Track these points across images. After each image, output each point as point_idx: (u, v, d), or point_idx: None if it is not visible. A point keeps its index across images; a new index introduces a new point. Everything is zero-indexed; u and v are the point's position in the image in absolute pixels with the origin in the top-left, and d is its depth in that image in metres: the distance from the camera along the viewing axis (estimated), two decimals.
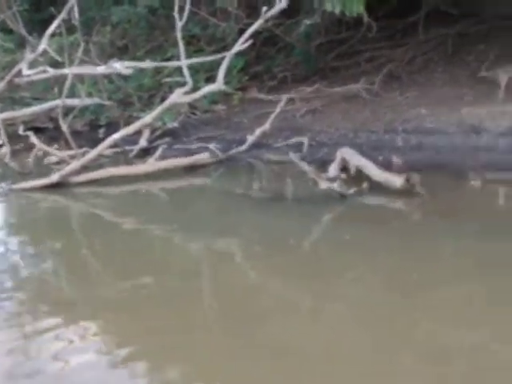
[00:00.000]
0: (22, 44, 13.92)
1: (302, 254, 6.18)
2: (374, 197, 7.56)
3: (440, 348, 4.07)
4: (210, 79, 11.51)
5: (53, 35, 11.00)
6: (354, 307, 4.80)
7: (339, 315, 4.72)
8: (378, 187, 7.63)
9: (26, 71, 9.38)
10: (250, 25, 10.91)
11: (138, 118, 10.87)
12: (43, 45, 9.83)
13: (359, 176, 7.99)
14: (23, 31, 12.32)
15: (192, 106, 11.40)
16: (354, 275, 5.53)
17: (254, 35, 10.13)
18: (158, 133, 10.87)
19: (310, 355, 4.08)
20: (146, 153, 10.28)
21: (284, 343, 4.26)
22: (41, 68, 9.66)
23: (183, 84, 10.53)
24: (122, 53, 13.45)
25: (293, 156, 8.51)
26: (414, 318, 4.57)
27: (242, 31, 11.75)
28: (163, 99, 11.35)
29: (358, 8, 9.44)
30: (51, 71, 9.63)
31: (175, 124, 10.93)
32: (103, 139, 10.16)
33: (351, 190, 7.43)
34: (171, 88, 11.72)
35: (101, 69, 9.47)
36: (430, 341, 4.20)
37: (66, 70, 9.94)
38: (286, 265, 5.76)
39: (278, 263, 5.80)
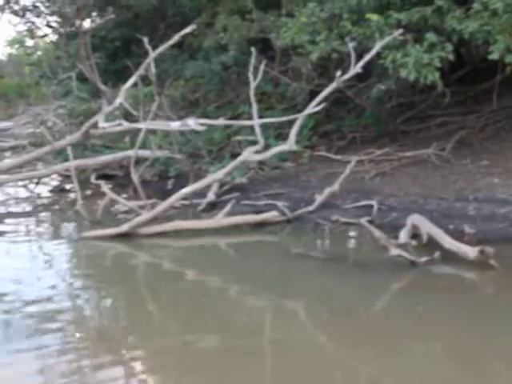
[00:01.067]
0: (96, 93, 14.31)
1: (367, 322, 6.05)
2: (445, 266, 7.41)
3: None
4: (280, 136, 11.65)
5: None
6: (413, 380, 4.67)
7: None
8: (449, 257, 7.49)
9: (102, 124, 9.60)
10: (321, 85, 11.05)
11: (206, 172, 11.03)
12: (120, 99, 10.06)
13: (430, 244, 7.86)
14: (99, 81, 12.63)
15: (261, 162, 11.48)
16: (419, 348, 5.38)
17: (325, 96, 10.21)
18: (226, 187, 10.94)
19: None
20: (213, 207, 10.35)
21: None
22: (117, 121, 9.87)
23: (252, 140, 10.67)
24: (193, 106, 13.72)
25: (363, 220, 8.44)
26: None
27: (312, 91, 11.91)
28: (232, 153, 11.53)
29: (433, 75, 9.41)
30: (126, 125, 9.84)
31: (244, 180, 11.00)
32: (171, 190, 10.30)
33: (422, 258, 7.31)
34: (240, 142, 11.89)
35: (175, 125, 9.64)
36: None
37: (141, 125, 10.16)
38: (349, 332, 5.68)
39: (341, 329, 5.73)
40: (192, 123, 9.21)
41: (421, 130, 12.61)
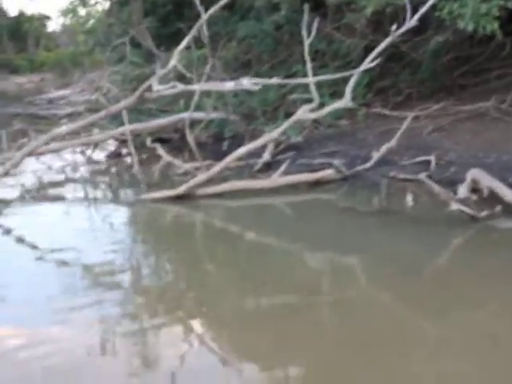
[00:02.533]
0: (149, 58, 14.36)
1: (429, 279, 5.98)
2: (507, 220, 7.26)
3: None
4: (335, 94, 11.49)
5: None
6: (482, 339, 4.62)
7: (465, 348, 4.55)
8: (511, 211, 7.33)
9: (156, 86, 9.59)
10: (375, 41, 10.83)
11: (261, 132, 10.96)
12: (174, 61, 10.04)
13: (490, 198, 7.70)
14: (152, 46, 12.65)
15: (316, 120, 11.36)
16: (482, 305, 5.30)
17: (379, 52, 10.02)
18: (281, 147, 10.89)
19: None
20: (268, 167, 10.31)
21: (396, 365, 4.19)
22: (171, 84, 9.86)
23: (307, 99, 10.55)
24: (247, 67, 13.63)
25: (421, 175, 8.30)
26: None
27: (366, 47, 11.70)
28: (287, 113, 11.42)
29: (491, 25, 9.15)
30: (181, 87, 9.82)
31: (299, 138, 10.92)
32: (227, 152, 10.29)
33: (483, 213, 7.17)
34: (295, 102, 11.78)
35: (229, 85, 9.55)
36: None
37: (195, 87, 10.13)
38: (411, 289, 5.62)
39: (402, 287, 5.68)
40: (246, 83, 9.13)
41: (478, 84, 12.33)
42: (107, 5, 19.61)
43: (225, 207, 8.86)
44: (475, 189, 8.02)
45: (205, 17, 10.34)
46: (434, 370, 4.24)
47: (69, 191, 10.05)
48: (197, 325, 5.22)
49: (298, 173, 9.53)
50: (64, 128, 12.34)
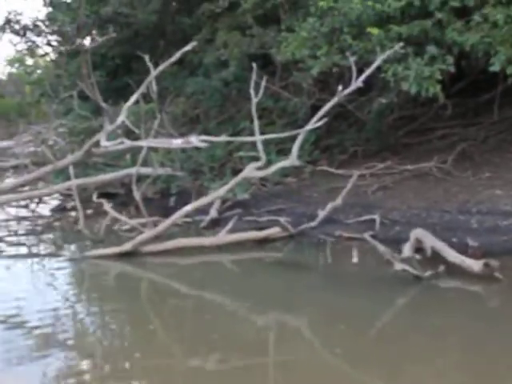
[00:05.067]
0: (97, 111, 14.32)
1: (374, 339, 6.00)
2: (450, 280, 7.38)
3: None
4: (281, 152, 11.62)
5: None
6: None
7: None
8: (454, 270, 7.46)
9: (103, 142, 9.59)
10: (322, 100, 11.04)
11: (208, 188, 11.00)
12: (122, 117, 10.06)
13: (434, 258, 7.82)
14: (100, 99, 12.62)
15: (263, 178, 11.43)
16: (423, 364, 5.29)
17: (326, 110, 10.20)
18: (228, 204, 10.91)
19: None
20: (215, 223, 10.32)
21: None
22: (119, 140, 9.87)
23: (254, 156, 10.64)
24: (194, 123, 13.73)
25: (366, 235, 8.40)
26: None
27: (313, 105, 11.90)
28: (234, 170, 11.51)
29: (434, 88, 9.41)
30: (128, 143, 9.83)
31: (246, 196, 10.97)
32: (174, 207, 10.28)
33: (427, 273, 7.27)
34: (242, 158, 11.87)
35: (177, 143, 9.61)
36: None
37: (143, 143, 10.15)
38: (356, 350, 5.60)
39: (347, 347, 5.65)
40: (195, 140, 9.19)
41: (422, 143, 12.60)
42: (55, 56, 19.59)
43: (171, 265, 8.80)
44: (419, 248, 8.14)
45: (154, 73, 10.42)
46: None
47: (11, 246, 9.87)
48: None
49: (244, 230, 9.58)
50: (9, 181, 12.17)
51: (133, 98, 10.36)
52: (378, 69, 10.03)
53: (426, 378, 5.01)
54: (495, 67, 9.15)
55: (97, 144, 9.64)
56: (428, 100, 11.30)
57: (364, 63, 10.23)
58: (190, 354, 5.64)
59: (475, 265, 7.22)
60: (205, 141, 9.37)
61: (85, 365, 5.51)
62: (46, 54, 19.80)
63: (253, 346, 5.82)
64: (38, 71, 22.79)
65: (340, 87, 10.00)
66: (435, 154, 11.48)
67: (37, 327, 6.25)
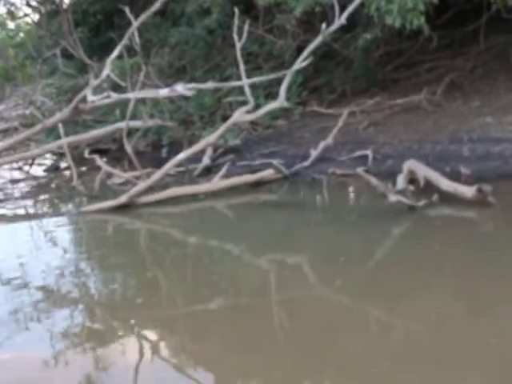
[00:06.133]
0: (82, 68, 14.22)
1: (370, 269, 6.08)
2: (444, 208, 7.46)
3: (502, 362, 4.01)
4: (270, 95, 11.60)
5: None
6: (420, 325, 4.69)
7: (406, 333, 4.64)
8: (447, 198, 7.53)
9: (90, 97, 9.54)
10: (307, 41, 10.95)
11: (199, 137, 10.99)
12: (107, 70, 9.99)
13: (427, 188, 7.88)
14: (84, 56, 12.54)
15: (253, 122, 11.44)
16: (421, 291, 5.38)
17: (312, 50, 10.15)
18: (220, 150, 10.93)
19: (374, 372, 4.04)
20: (208, 170, 10.35)
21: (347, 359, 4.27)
22: (105, 94, 9.81)
23: (243, 101, 10.62)
24: (181, 73, 13.63)
25: (359, 170, 8.43)
26: (480, 333, 4.47)
27: (299, 46, 11.82)
28: (224, 117, 11.48)
29: (418, 20, 9.34)
30: (115, 96, 9.77)
31: (237, 141, 10.97)
32: (166, 159, 10.27)
33: (421, 202, 7.34)
34: (231, 105, 11.84)
35: (164, 92, 9.57)
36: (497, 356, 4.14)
37: (129, 95, 10.09)
38: (355, 282, 5.68)
39: (345, 279, 5.72)
40: (181, 88, 9.16)
41: (410, 77, 12.57)
42: (36, 17, 19.35)
43: (167, 214, 8.83)
44: (412, 179, 8.19)
45: (135, 24, 10.32)
46: (387, 351, 4.34)
47: (8, 208, 9.89)
48: (149, 332, 5.18)
49: (238, 175, 9.59)
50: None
51: (116, 51, 10.27)
52: (362, 5, 9.95)
53: (425, 305, 5.07)
54: None
55: (84, 100, 9.58)
56: (413, 33, 11.21)
57: (347, 0, 10.14)
58: (193, 299, 5.68)
59: (468, 191, 7.28)
60: (191, 89, 9.33)
61: (91, 319, 5.54)
62: (27, 15, 19.55)
63: (254, 287, 5.87)
64: (21, 34, 22.51)
65: (324, 26, 9.93)
66: (424, 87, 11.45)
67: (41, 287, 6.24)
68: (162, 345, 4.98)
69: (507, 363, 4.04)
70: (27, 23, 22.29)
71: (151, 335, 5.13)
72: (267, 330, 4.90)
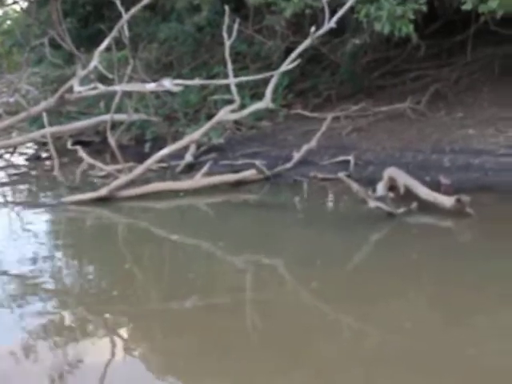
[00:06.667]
0: (69, 59, 14.16)
1: (347, 273, 6.11)
2: (422, 216, 7.51)
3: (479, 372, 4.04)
4: (255, 96, 11.61)
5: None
6: (395, 331, 4.71)
7: (381, 339, 4.65)
8: (426, 207, 7.58)
9: (77, 88, 9.50)
10: (295, 43, 10.98)
11: (183, 134, 10.98)
12: (94, 62, 9.96)
13: (407, 196, 7.93)
14: (72, 47, 12.49)
15: (237, 122, 11.46)
16: (398, 297, 5.43)
17: (299, 53, 10.18)
18: (203, 148, 10.93)
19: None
20: (191, 168, 10.35)
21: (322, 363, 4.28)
22: (92, 85, 9.78)
23: (228, 101, 10.63)
24: (168, 69, 13.60)
25: (341, 175, 8.47)
26: (456, 342, 4.50)
27: (287, 49, 11.85)
28: (209, 115, 11.47)
29: (407, 28, 9.40)
30: (102, 88, 9.75)
31: (221, 140, 10.97)
32: (149, 154, 10.26)
33: (400, 210, 7.39)
34: (216, 104, 11.84)
35: (150, 86, 9.57)
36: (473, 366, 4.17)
37: (116, 87, 10.05)
38: (331, 286, 5.70)
39: (321, 282, 5.74)
40: (167, 83, 9.15)
41: (396, 85, 12.63)
42: (25, 5, 19.21)
43: (148, 209, 8.83)
44: (392, 186, 8.24)
45: (125, 17, 10.29)
46: (361, 356, 4.37)
47: None
48: (121, 327, 5.18)
49: (220, 174, 9.60)
50: None
51: (105, 43, 10.24)
52: (351, 9, 9.99)
53: (400, 312, 5.09)
54: (467, 6, 9.10)
55: (70, 90, 9.56)
56: (402, 41, 11.29)
57: (337, 4, 10.17)
58: (169, 296, 5.68)
59: (447, 201, 7.34)
60: (178, 84, 9.32)
61: (65, 310, 5.53)
62: (15, 2, 19.41)
63: (231, 286, 5.87)
64: (8, 21, 22.36)
65: (313, 29, 9.97)
66: (409, 95, 11.51)
67: (15, 275, 6.22)
68: (134, 341, 4.98)
69: (481, 372, 4.07)
70: (15, 11, 22.13)
71: (124, 330, 5.13)
72: (241, 330, 4.92)
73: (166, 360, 4.61)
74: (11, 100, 15.82)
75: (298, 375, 4.17)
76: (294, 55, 9.98)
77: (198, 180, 9.27)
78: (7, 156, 12.54)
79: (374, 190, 8.07)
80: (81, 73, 10.08)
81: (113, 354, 4.61)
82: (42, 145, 12.48)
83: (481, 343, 4.46)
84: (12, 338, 4.82)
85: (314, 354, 4.47)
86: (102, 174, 10.16)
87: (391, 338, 4.61)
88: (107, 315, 5.37)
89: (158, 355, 4.71)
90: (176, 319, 5.18)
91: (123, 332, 5.09)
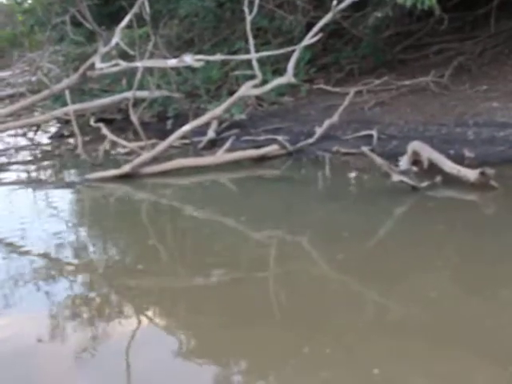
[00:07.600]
0: (90, 37, 14.17)
1: (370, 247, 6.08)
2: (446, 190, 7.46)
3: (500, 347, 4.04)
4: (277, 71, 11.57)
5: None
6: (417, 304, 4.71)
7: (402, 312, 4.65)
8: (450, 181, 7.53)
9: (98, 64, 9.52)
10: (316, 18, 10.91)
11: (205, 110, 10.98)
12: (116, 38, 9.96)
13: (431, 170, 7.88)
14: (93, 24, 12.48)
15: (259, 98, 11.44)
16: (421, 271, 5.39)
17: (321, 28, 10.11)
18: (225, 124, 10.92)
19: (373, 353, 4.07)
20: (213, 144, 10.36)
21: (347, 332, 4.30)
22: (114, 61, 9.79)
23: (250, 76, 10.59)
24: (189, 46, 13.60)
25: (364, 149, 8.42)
26: (478, 315, 4.49)
27: (308, 23, 11.77)
28: (230, 91, 11.46)
29: (430, 1, 9.30)
30: (123, 64, 9.76)
31: (243, 116, 10.96)
32: (171, 130, 10.28)
33: (424, 183, 7.35)
34: (238, 80, 11.82)
35: (172, 62, 9.55)
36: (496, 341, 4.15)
37: (138, 64, 10.06)
38: (352, 258, 5.70)
39: (344, 256, 5.74)
40: (189, 59, 9.13)
41: (419, 58, 12.54)
42: None
43: (170, 185, 8.86)
44: (416, 160, 8.19)
45: None
46: (382, 328, 4.37)
47: (12, 174, 9.91)
48: (147, 301, 5.19)
49: (242, 150, 9.59)
50: (5, 109, 12.12)
51: (126, 20, 10.24)
52: None
53: (423, 285, 5.07)
54: None
55: (92, 67, 9.58)
56: (424, 14, 11.20)
57: None
58: (194, 270, 5.69)
59: (471, 174, 7.28)
60: (200, 60, 9.31)
61: (90, 286, 5.57)
62: None
63: (255, 260, 5.88)
64: (29, 0, 22.39)
65: (334, 3, 9.89)
66: (432, 69, 11.43)
67: (41, 253, 6.26)
68: (160, 315, 5.00)
69: (501, 344, 4.06)
70: None
71: (149, 304, 5.15)
72: (266, 302, 4.93)
73: (191, 334, 4.63)
74: (33, 78, 15.91)
75: (320, 345, 4.18)
76: (315, 29, 9.92)
77: (221, 156, 9.28)
78: (31, 134, 12.62)
79: (398, 164, 8.03)
80: (102, 50, 10.11)
81: (138, 329, 4.64)
82: (65, 123, 12.54)
83: (500, 315, 4.45)
84: (38, 315, 4.88)
85: (337, 325, 4.48)
86: (125, 151, 10.20)
87: (413, 310, 4.60)
88: (133, 289, 5.41)
89: (184, 329, 4.73)
90: (201, 293, 5.20)
91: (149, 306, 5.12)
